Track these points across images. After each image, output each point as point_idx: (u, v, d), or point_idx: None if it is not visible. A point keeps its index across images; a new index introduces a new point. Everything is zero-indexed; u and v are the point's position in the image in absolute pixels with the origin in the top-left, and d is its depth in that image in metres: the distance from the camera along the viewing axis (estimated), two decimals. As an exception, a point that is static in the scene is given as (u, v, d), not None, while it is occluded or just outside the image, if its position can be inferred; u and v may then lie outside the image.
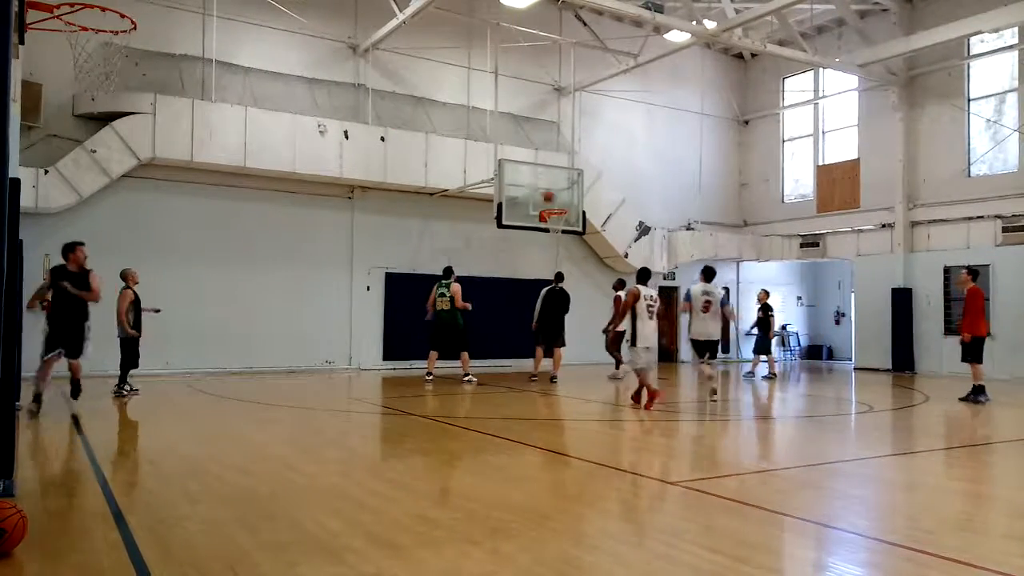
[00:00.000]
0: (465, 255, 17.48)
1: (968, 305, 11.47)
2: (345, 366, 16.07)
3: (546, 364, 14.14)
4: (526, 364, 15.19)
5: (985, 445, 8.21)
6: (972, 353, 11.42)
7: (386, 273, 16.64)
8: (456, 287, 13.29)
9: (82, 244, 9.34)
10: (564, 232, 15.72)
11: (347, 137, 15.22)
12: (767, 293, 16.33)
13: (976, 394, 11.38)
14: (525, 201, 14.85)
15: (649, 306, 9.98)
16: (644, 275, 10.62)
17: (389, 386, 13.60)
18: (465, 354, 13.62)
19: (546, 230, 15.17)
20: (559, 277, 14.37)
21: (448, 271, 13.71)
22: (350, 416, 10.06)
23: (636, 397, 10.23)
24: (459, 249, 17.45)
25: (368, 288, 16.46)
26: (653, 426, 9.36)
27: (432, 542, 4.28)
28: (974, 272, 11.75)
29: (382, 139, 15.59)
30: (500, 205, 14.55)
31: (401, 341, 16.56)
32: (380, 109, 16.37)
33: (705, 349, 10.83)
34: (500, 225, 14.71)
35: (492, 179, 14.90)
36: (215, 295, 14.74)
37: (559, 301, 13.98)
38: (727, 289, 18.93)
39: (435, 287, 13.59)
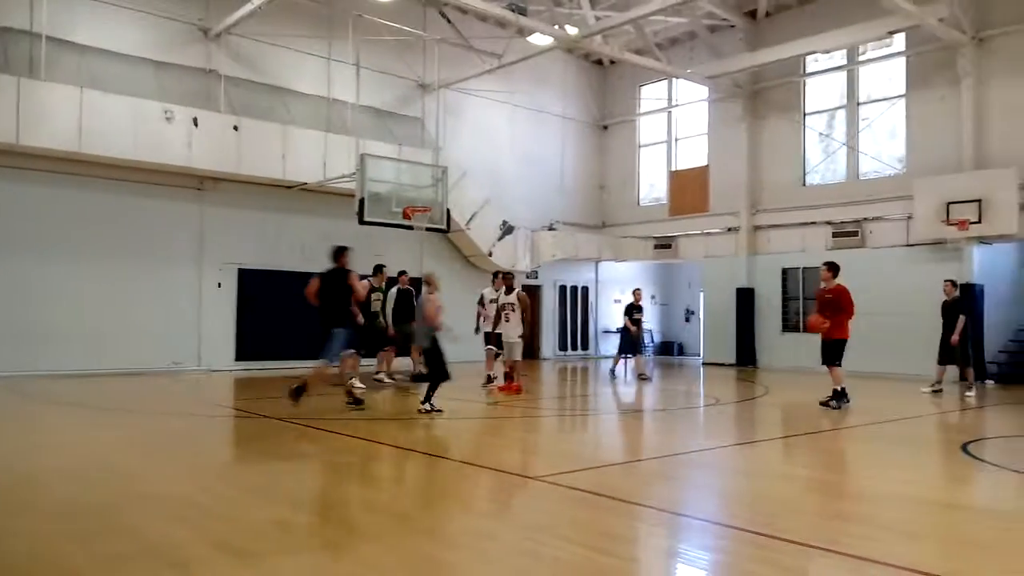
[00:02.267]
0: (325, 251, 16.93)
1: (843, 302, 10.62)
2: (194, 367, 15.18)
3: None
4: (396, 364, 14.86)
5: (818, 433, 8.86)
6: (834, 355, 10.68)
7: (239, 269, 15.85)
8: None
9: None
10: (428, 230, 15.60)
11: (196, 125, 14.36)
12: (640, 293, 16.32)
13: (837, 398, 10.58)
14: (388, 197, 14.61)
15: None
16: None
17: (242, 388, 12.97)
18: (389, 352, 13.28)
19: (410, 227, 14.99)
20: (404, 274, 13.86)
21: (377, 268, 13.16)
22: (198, 420, 9.49)
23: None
24: (319, 245, 16.89)
25: (219, 285, 15.62)
26: (513, 422, 9.45)
27: (288, 548, 4.09)
28: (835, 267, 11.02)
29: (235, 128, 14.84)
30: (362, 201, 14.24)
31: (255, 341, 15.85)
32: (233, 97, 15.58)
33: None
34: (362, 221, 14.40)
35: (354, 174, 14.55)
36: (44, 291, 13.50)
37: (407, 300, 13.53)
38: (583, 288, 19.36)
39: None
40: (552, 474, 6.07)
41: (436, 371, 9.26)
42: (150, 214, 14.77)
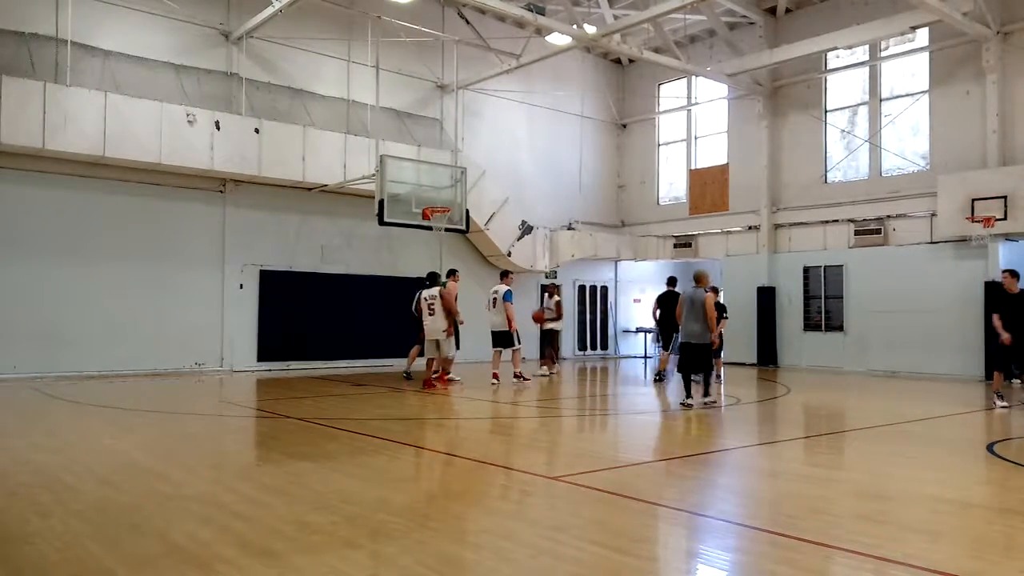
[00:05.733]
0: (345, 252, 17.12)
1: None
2: (216, 368, 15.35)
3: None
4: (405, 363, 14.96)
5: (840, 433, 8.79)
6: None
7: (261, 271, 16.01)
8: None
9: None
10: (447, 230, 15.64)
11: (218, 128, 14.53)
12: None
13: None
14: (408, 198, 14.69)
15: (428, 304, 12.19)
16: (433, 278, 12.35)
17: (264, 388, 13.10)
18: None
19: (429, 228, 15.05)
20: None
21: (433, 276, 13.32)
22: (221, 420, 9.60)
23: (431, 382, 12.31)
24: (339, 246, 17.07)
25: (241, 286, 15.79)
26: (533, 423, 9.47)
27: (310, 548, 4.13)
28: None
29: (256, 131, 14.99)
30: (382, 202, 14.32)
31: (277, 341, 16.01)
32: (254, 100, 15.74)
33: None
34: (382, 222, 14.48)
35: (374, 175, 14.64)
36: (71, 293, 13.73)
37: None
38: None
39: (418, 293, 13.19)
40: (571, 474, 6.08)
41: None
42: (173, 216, 14.95)
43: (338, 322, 16.60)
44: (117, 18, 14.59)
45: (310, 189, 16.19)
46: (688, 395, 10.28)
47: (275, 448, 7.63)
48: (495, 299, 13.57)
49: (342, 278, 16.94)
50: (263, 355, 15.92)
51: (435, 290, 12.54)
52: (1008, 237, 15.48)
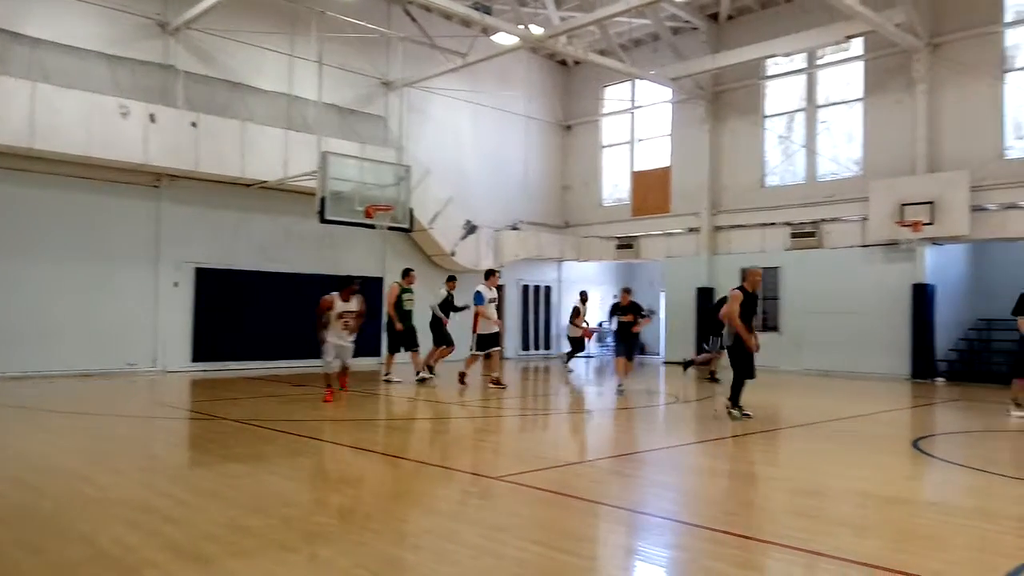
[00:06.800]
0: (286, 250, 16.79)
1: None
2: (149, 368, 14.88)
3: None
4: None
5: (775, 431, 9.00)
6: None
7: (197, 268, 15.57)
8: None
9: None
10: (391, 229, 15.49)
11: (153, 121, 14.07)
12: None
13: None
14: (351, 196, 14.48)
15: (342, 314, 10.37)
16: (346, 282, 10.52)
17: (199, 389, 12.75)
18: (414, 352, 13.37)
19: (372, 226, 14.88)
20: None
21: (406, 272, 13.49)
22: (153, 422, 9.30)
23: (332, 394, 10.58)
24: (279, 244, 16.73)
25: (176, 284, 15.33)
26: (472, 423, 9.44)
27: (244, 551, 4.03)
28: None
29: (194, 125, 14.57)
30: (324, 199, 14.09)
31: (213, 341, 15.59)
32: (192, 93, 15.30)
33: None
34: (323, 220, 14.25)
35: (315, 172, 14.39)
36: (-6, 290, 13.13)
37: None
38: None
39: (400, 291, 13.19)
40: (514, 474, 6.07)
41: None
42: (105, 212, 14.44)
43: (278, 321, 16.26)
44: (46, 5, 13.99)
45: (249, 185, 15.83)
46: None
47: (209, 450, 7.42)
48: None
49: (282, 276, 16.61)
50: (199, 355, 15.49)
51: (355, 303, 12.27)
52: (935, 241, 16.10)
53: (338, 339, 10.43)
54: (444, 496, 5.68)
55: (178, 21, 15.02)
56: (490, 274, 13.10)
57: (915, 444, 8.06)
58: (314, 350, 16.06)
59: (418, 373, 13.21)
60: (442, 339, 13.67)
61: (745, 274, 9.44)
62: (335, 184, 14.30)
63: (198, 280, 15.55)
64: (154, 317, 15.01)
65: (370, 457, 7.12)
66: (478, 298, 12.61)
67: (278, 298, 16.35)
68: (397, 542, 4.39)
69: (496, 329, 12.83)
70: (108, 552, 3.96)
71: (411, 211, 15.63)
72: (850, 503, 5.50)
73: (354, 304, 10.47)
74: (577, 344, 17.81)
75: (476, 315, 12.72)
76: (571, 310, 18.05)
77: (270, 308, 16.27)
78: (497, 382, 12.74)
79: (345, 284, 10.42)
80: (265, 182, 15.58)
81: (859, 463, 6.98)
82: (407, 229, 16.11)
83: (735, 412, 9.22)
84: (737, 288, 9.21)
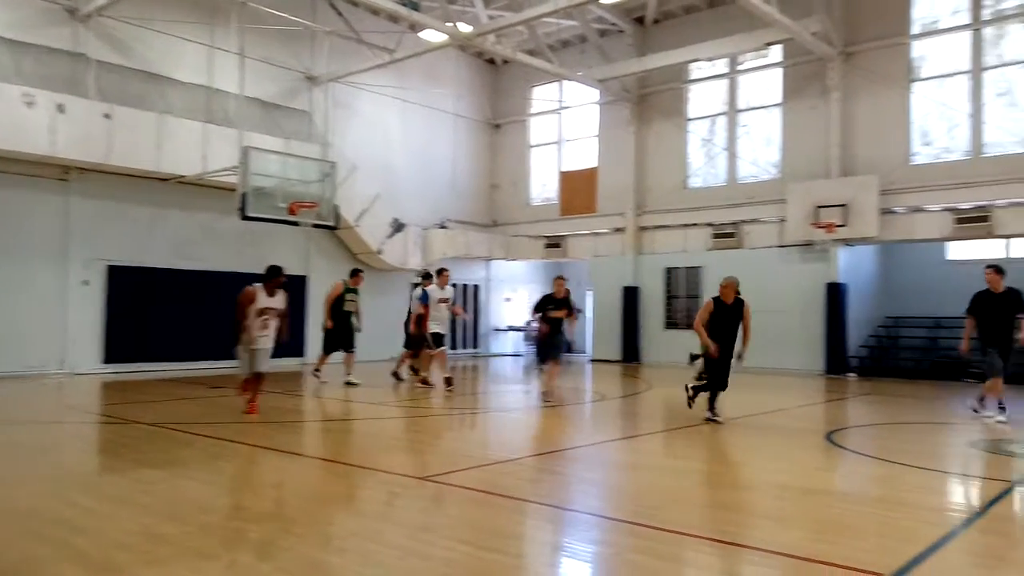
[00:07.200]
0: (203, 247, 16.23)
1: None
2: (56, 370, 14.15)
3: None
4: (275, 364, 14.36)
5: (697, 427, 9.19)
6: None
7: (109, 266, 14.90)
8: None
9: None
10: (315, 226, 15.17)
11: (62, 111, 13.39)
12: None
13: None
14: (273, 192, 14.11)
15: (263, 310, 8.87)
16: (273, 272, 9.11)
17: (111, 392, 12.21)
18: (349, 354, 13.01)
19: (296, 223, 14.53)
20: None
21: (355, 272, 13.22)
22: (60, 427, 8.84)
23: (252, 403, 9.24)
24: (197, 241, 16.17)
25: (86, 282, 14.62)
26: (401, 423, 9.32)
27: (158, 560, 3.85)
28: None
29: (106, 116, 13.93)
30: (245, 195, 13.69)
31: (126, 342, 14.94)
32: (104, 83, 14.62)
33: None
34: (244, 217, 13.84)
35: (236, 167, 13.96)
36: None
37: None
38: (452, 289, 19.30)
39: (344, 290, 12.87)
40: (440, 473, 6.02)
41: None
42: (9, 206, 13.65)
43: (195, 321, 15.70)
44: (-58, -16, 13.17)
45: (165, 180, 15.24)
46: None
47: (121, 456, 7.10)
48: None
49: (199, 274, 16.05)
50: (110, 356, 14.82)
51: (448, 291, 12.45)
52: (847, 242, 16.79)
53: (254, 341, 8.89)
54: (370, 498, 5.59)
55: (89, 8, 14.33)
56: (440, 272, 12.60)
57: (828, 437, 8.37)
58: (232, 350, 15.56)
59: (348, 375, 12.92)
60: (420, 341, 12.74)
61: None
62: (257, 180, 13.90)
63: (110, 278, 14.88)
64: (63, 317, 14.29)
65: (294, 459, 6.94)
66: (424, 297, 12.38)
67: (195, 297, 15.79)
68: (322, 545, 4.28)
69: (440, 329, 12.36)
70: (13, 565, 3.74)
71: (337, 208, 15.35)
72: (769, 495, 5.66)
73: (279, 300, 8.98)
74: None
75: (423, 315, 12.33)
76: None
77: (186, 307, 15.71)
78: (425, 381, 12.63)
79: (271, 276, 8.96)
80: (182, 177, 15.04)
81: (778, 456, 7.20)
82: (332, 227, 15.81)
83: (710, 414, 9.13)
84: (712, 298, 9.25)
